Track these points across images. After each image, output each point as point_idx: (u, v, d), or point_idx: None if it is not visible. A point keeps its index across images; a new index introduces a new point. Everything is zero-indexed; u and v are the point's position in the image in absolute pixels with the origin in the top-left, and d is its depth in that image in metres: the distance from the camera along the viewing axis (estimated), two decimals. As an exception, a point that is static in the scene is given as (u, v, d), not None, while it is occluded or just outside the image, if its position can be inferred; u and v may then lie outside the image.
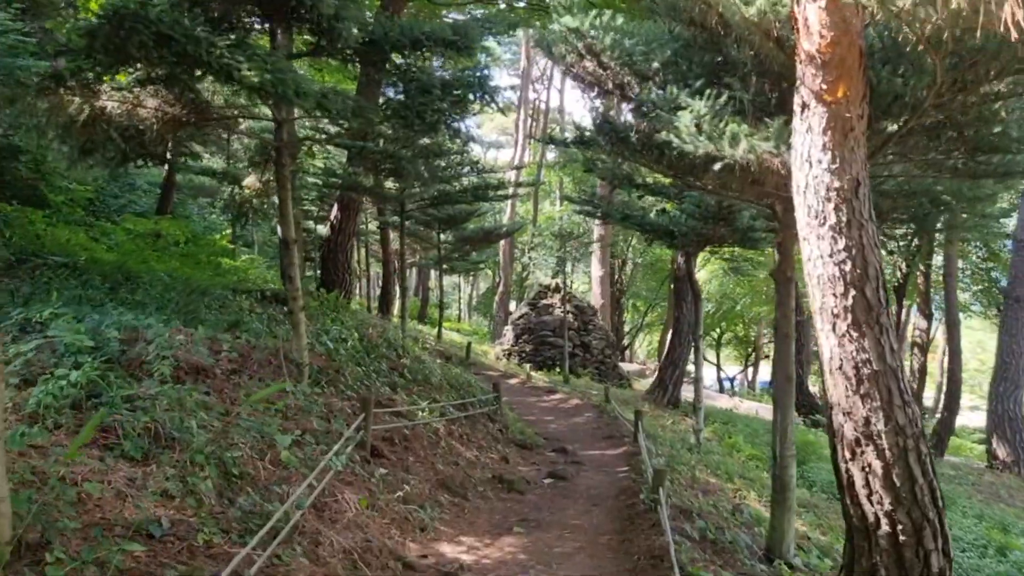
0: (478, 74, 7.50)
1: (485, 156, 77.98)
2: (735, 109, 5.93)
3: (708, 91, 5.84)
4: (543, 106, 50.48)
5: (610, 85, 7.28)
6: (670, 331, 38.98)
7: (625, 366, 29.93)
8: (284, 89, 6.04)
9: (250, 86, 5.94)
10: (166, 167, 23.05)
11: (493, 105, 8.01)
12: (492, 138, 71.05)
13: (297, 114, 9.39)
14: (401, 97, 7.76)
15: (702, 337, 13.07)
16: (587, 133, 9.09)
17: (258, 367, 8.56)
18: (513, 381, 18.73)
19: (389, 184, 13.51)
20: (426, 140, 12.09)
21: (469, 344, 21.55)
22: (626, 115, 8.06)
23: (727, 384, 49.05)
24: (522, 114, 42.27)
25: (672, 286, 19.10)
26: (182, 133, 9.89)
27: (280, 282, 17.60)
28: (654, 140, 7.00)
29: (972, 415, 50.76)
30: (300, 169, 14.49)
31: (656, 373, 35.16)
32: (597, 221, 31.18)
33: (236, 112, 10.85)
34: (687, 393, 21.06)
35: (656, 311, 48.83)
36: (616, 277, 41.31)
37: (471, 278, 65.28)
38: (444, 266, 39.63)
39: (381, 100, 7.91)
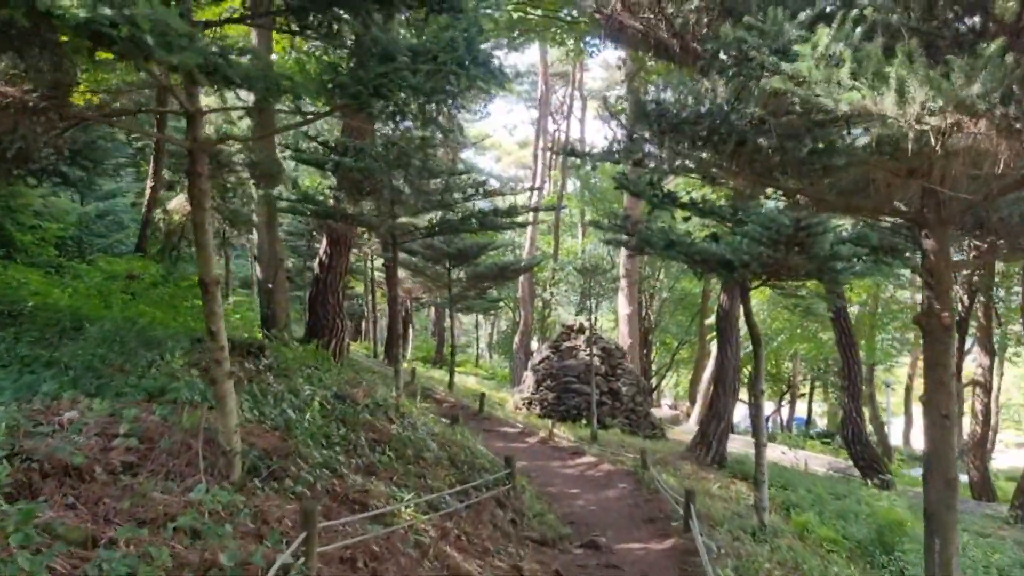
0: (466, 35, 5.06)
1: (504, 200, 76.06)
2: (885, 45, 3.46)
3: (840, 13, 3.39)
4: (562, 136, 48.23)
5: (666, 34, 4.84)
6: (704, 371, 36.30)
7: (656, 412, 27.19)
8: (135, 34, 3.65)
9: (75, 25, 3.54)
10: (145, 202, 20.96)
11: (493, 84, 5.56)
12: (511, 173, 69.05)
13: (217, 102, 6.99)
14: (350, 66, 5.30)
15: (762, 393, 10.46)
16: (618, 136, 6.71)
17: (166, 458, 6.12)
18: (532, 440, 16.16)
19: (371, 208, 11.13)
20: (416, 136, 9.70)
21: (483, 396, 19.04)
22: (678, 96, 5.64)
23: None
24: (540, 143, 39.99)
25: (716, 326, 16.45)
26: (53, 132, 7.39)
27: (260, 330, 15.25)
28: (730, 123, 4.52)
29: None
30: (272, 194, 12.11)
31: (697, 427, 32.50)
32: (624, 254, 28.69)
33: (115, 97, 8.43)
34: (733, 445, 18.40)
35: (686, 349, 46.09)
36: (643, 313, 38.73)
37: (491, 317, 62.89)
38: (458, 305, 37.36)
39: (321, 68, 5.43)
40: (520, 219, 12.03)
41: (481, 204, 12.39)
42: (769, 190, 7.72)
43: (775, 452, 26.11)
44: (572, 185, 51.62)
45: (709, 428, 16.51)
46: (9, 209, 21.37)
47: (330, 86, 5.22)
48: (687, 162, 5.87)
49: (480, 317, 64.49)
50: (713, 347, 32.49)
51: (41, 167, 12.85)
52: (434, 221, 11.34)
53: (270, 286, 15.06)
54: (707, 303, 37.89)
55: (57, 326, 11.93)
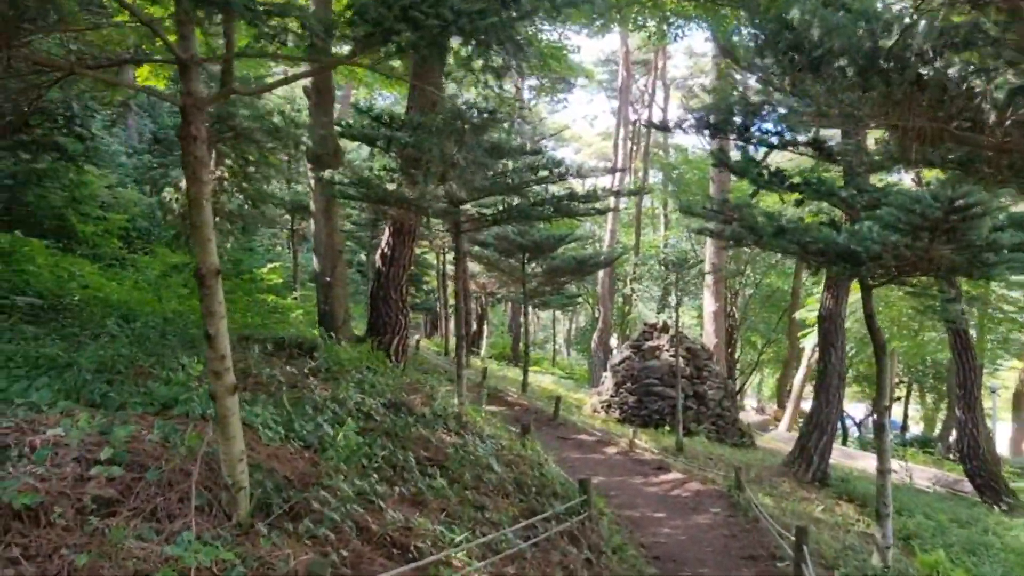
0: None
1: (583, 186, 74.45)
2: None
3: None
4: (644, 128, 46.40)
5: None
6: (797, 374, 34.13)
7: (744, 416, 25.32)
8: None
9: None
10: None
11: (564, 7, 4.16)
12: (591, 164, 67.43)
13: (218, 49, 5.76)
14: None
15: (887, 410, 8.81)
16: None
17: (154, 493, 4.92)
18: (611, 451, 14.70)
19: (431, 192, 9.79)
20: (481, 106, 8.34)
21: (558, 400, 17.63)
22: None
23: (853, 430, 43.35)
24: (621, 133, 38.33)
25: (819, 327, 14.74)
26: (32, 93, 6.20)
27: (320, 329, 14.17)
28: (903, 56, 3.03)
29: None
30: (331, 177, 10.89)
31: (787, 432, 30.46)
32: (710, 247, 26.92)
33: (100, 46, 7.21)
34: (835, 457, 16.55)
35: (772, 348, 43.83)
36: (728, 310, 36.77)
37: (569, 312, 61.44)
38: (535, 301, 36.01)
39: None
40: (599, 205, 10.57)
41: (556, 190, 10.98)
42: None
43: (870, 463, 24.05)
44: (655, 177, 49.87)
45: (809, 441, 14.78)
46: (73, 200, 20.89)
47: (349, 14, 3.91)
48: (830, 108, 4.36)
49: (558, 313, 63.17)
50: (807, 346, 30.45)
51: (32, 139, 11.82)
52: (502, 207, 9.95)
53: (327, 280, 13.97)
54: (797, 300, 35.71)
55: (97, 322, 11.05)
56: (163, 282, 16.88)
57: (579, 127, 64.72)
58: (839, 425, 42.66)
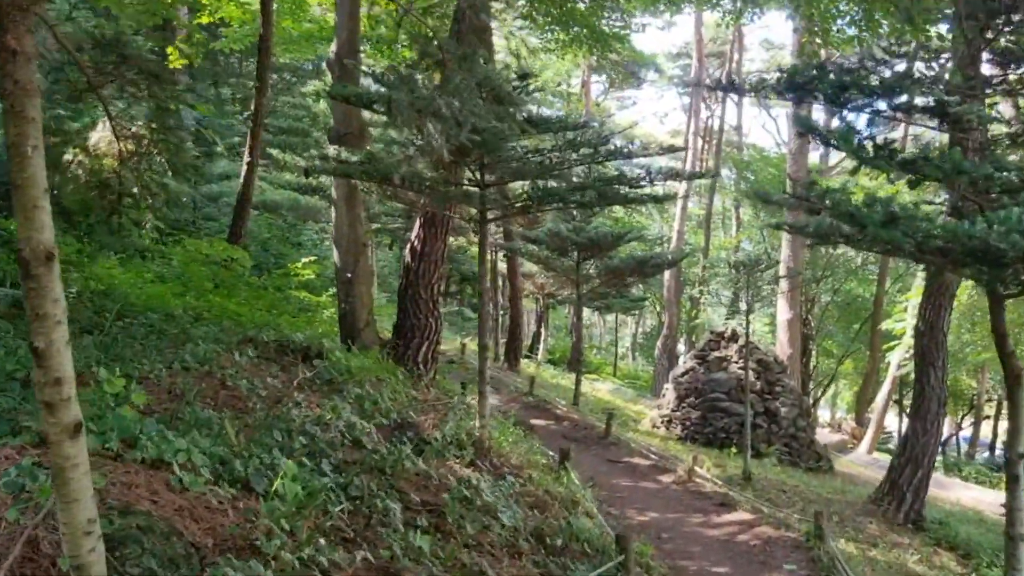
0: None
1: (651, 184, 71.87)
2: None
3: None
4: (716, 122, 44.11)
5: None
6: (881, 389, 31.50)
7: (818, 435, 22.99)
8: None
9: None
10: (241, 179, 18.88)
11: None
12: (661, 163, 65.07)
13: None
14: None
15: (1022, 459, 6.77)
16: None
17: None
18: (667, 479, 12.80)
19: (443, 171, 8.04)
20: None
21: (610, 418, 15.76)
22: None
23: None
24: (691, 127, 36.18)
25: (916, 343, 12.67)
26: None
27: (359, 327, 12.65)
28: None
29: None
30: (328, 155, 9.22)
31: (867, 454, 27.97)
32: (785, 249, 24.72)
33: None
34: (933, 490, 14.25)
35: (851, 360, 41.09)
36: (804, 319, 34.33)
37: (634, 315, 59.30)
38: (596, 303, 34.11)
39: None
40: (655, 191, 8.70)
41: (602, 171, 9.13)
42: None
43: (962, 492, 21.55)
44: (728, 177, 47.49)
45: (901, 476, 12.65)
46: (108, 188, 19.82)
47: None
48: None
49: (626, 316, 61.02)
50: (892, 360, 27.93)
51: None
52: (534, 190, 8.14)
53: (348, 276, 12.41)
54: (880, 309, 33.09)
55: (87, 320, 9.71)
56: (190, 276, 15.60)
57: (649, 125, 62.59)
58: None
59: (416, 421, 8.42)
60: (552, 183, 8.15)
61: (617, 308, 35.11)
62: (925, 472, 12.57)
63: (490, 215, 8.99)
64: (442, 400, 11.30)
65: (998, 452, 41.93)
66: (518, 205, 8.45)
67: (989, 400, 42.71)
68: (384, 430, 8.00)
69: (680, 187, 34.58)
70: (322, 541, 4.78)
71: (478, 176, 8.36)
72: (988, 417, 45.37)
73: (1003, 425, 46.39)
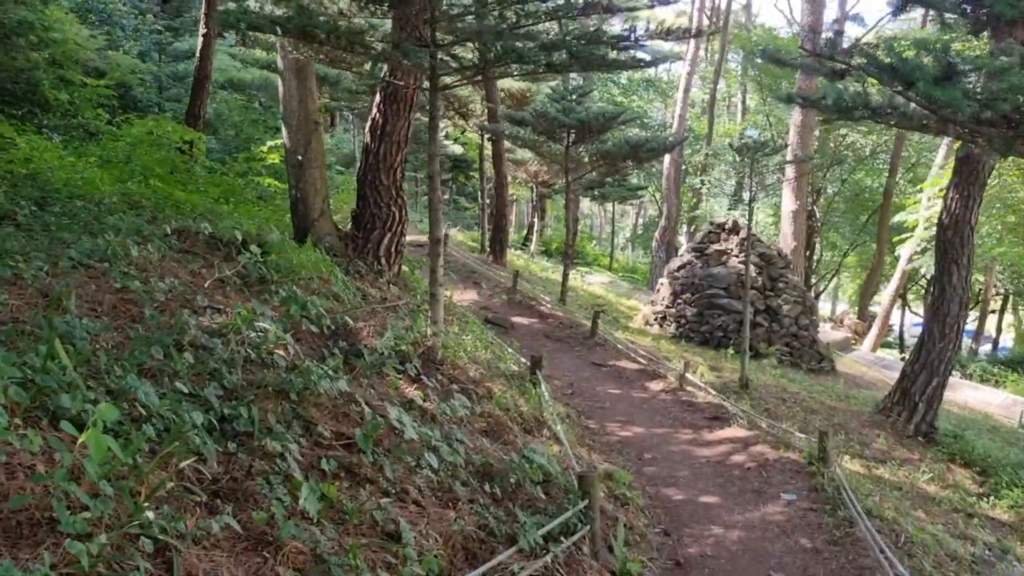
0: None
1: (657, 69, 68.88)
2: None
3: None
4: (723, 3, 41.42)
5: None
6: (890, 285, 30.21)
7: (822, 332, 21.77)
8: None
9: None
10: (197, 54, 17.13)
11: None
12: (667, 48, 61.94)
13: None
14: None
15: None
16: None
17: None
18: (656, 386, 11.61)
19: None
20: None
21: (596, 316, 14.47)
22: None
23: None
24: (697, 1, 33.75)
25: (938, 238, 11.24)
26: None
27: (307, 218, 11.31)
28: None
29: None
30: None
31: (872, 353, 26.89)
32: (793, 134, 23.03)
33: None
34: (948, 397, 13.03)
35: (856, 253, 39.74)
36: (810, 210, 32.83)
37: (634, 206, 57.66)
38: (594, 192, 32.55)
39: None
40: (641, 54, 7.12)
41: (575, 28, 7.49)
42: None
43: (969, 394, 20.51)
44: (734, 61, 45.06)
45: (914, 384, 11.46)
46: (54, 62, 18.08)
47: None
48: None
49: (627, 206, 59.38)
50: (903, 254, 26.58)
51: None
52: (492, 51, 6.58)
53: (299, 159, 10.92)
54: (889, 201, 31.53)
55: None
56: (137, 159, 14.10)
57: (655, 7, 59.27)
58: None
59: (353, 328, 7.12)
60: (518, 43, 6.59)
61: (614, 197, 33.49)
62: (941, 381, 11.37)
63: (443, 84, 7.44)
64: (402, 300, 10.03)
65: (1002, 346, 41.07)
66: (473, 68, 6.87)
67: (997, 294, 41.52)
68: (311, 341, 6.72)
69: (683, 67, 32.50)
70: (166, 508, 3.51)
71: (427, 34, 6.80)
72: (993, 311, 44.31)
73: (1007, 319, 45.46)
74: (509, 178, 36.86)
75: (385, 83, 10.90)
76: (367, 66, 10.81)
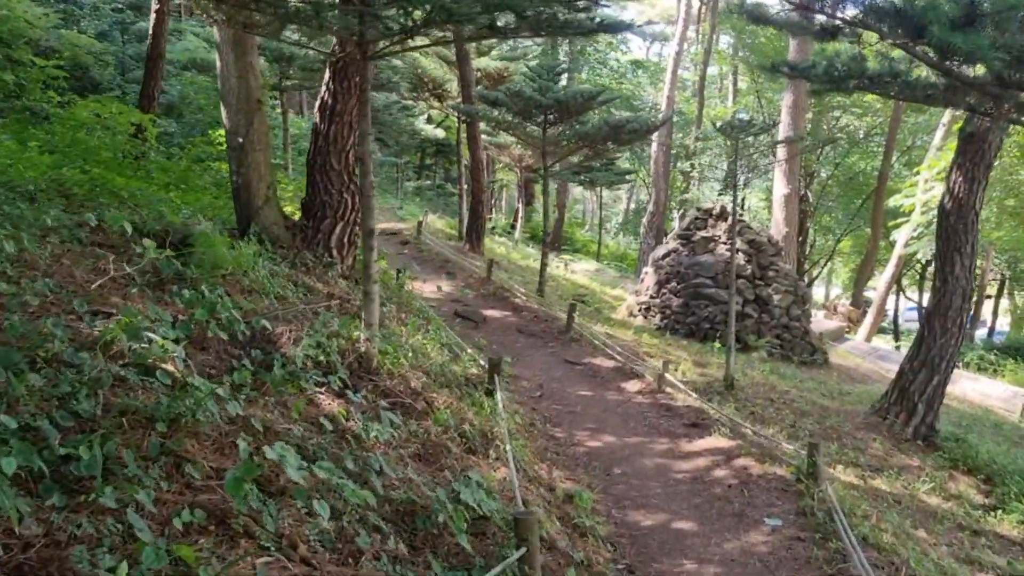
0: None
1: (647, 51, 67.69)
2: None
3: None
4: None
5: None
6: (885, 272, 29.26)
7: (815, 321, 20.83)
8: None
9: None
10: (150, 31, 16.11)
11: None
12: (658, 28, 60.72)
13: None
14: None
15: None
16: None
17: None
18: (633, 386, 10.68)
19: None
20: None
21: (572, 309, 13.50)
22: None
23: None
24: (686, -20, 32.62)
25: (939, 224, 10.30)
26: None
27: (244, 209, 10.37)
28: None
29: None
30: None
31: (866, 342, 25.98)
32: (785, 113, 22.06)
33: None
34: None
35: (850, 238, 38.80)
36: (802, 195, 31.88)
37: (629, 191, 56.67)
38: (581, 177, 31.53)
39: None
40: (605, 17, 6.17)
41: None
42: None
43: (968, 385, 19.60)
44: (725, 44, 44.04)
45: (913, 383, 10.55)
46: (0, 41, 17.09)
47: None
48: None
49: (619, 191, 58.35)
50: (898, 239, 25.69)
51: None
52: (429, 7, 5.60)
53: (240, 141, 9.94)
54: (884, 185, 30.61)
55: None
56: (80, 143, 13.13)
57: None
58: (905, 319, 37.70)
59: (273, 334, 6.17)
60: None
61: (602, 182, 32.43)
62: (942, 379, 10.47)
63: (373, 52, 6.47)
64: (352, 296, 9.08)
65: (998, 331, 40.24)
66: (403, 30, 5.89)
67: (993, 279, 40.65)
68: (219, 351, 5.78)
69: (671, 47, 31.48)
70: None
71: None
72: (989, 297, 43.46)
73: (1003, 304, 44.60)
74: (495, 162, 35.87)
75: (334, 58, 9.93)
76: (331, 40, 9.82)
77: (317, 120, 10.41)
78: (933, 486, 8.94)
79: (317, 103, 10.49)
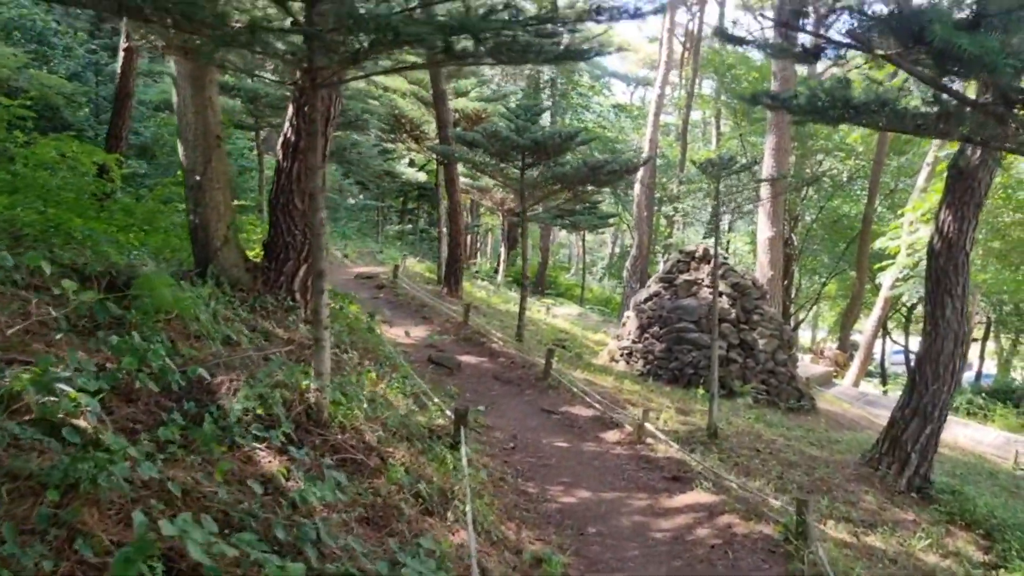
0: None
1: (631, 95, 68.03)
2: None
3: None
4: (696, 25, 40.52)
5: None
6: (872, 314, 28.88)
7: (801, 366, 20.36)
8: None
9: None
10: (119, 69, 15.71)
11: None
12: (641, 73, 61.12)
13: None
14: None
15: None
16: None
17: None
18: (612, 436, 10.14)
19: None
20: None
21: (550, 355, 12.97)
22: None
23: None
24: (667, 22, 32.67)
25: (929, 266, 9.86)
26: None
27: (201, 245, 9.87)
28: None
29: None
30: None
31: (855, 387, 25.54)
32: (768, 154, 21.84)
33: None
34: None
35: (836, 281, 38.51)
36: (787, 238, 31.65)
37: (614, 235, 56.55)
38: (564, 221, 31.24)
39: None
40: (571, 41, 5.75)
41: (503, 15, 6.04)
42: None
43: (959, 431, 19.12)
44: (708, 88, 44.28)
45: (905, 432, 10.06)
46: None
47: None
48: None
49: (604, 235, 58.22)
50: (884, 282, 25.39)
51: None
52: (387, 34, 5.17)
53: (197, 179, 9.47)
54: (868, 227, 30.43)
55: None
56: (41, 182, 12.63)
57: (627, 32, 58.82)
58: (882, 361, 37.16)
59: (212, 384, 5.63)
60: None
61: (585, 225, 32.15)
62: (935, 428, 9.98)
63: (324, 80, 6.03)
64: (307, 343, 8.56)
65: (985, 374, 39.87)
66: (354, 53, 5.44)
67: (979, 322, 40.39)
68: (149, 403, 5.24)
69: (654, 89, 31.41)
70: None
71: (303, 18, 5.39)
72: (976, 340, 43.16)
73: (990, 346, 44.29)
74: (480, 206, 35.57)
75: (297, 92, 9.52)
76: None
77: (280, 157, 9.98)
78: (930, 542, 8.40)
79: (280, 140, 10.06)
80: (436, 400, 8.80)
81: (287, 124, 9.82)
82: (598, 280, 53.64)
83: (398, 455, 6.14)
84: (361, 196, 35.23)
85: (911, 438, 9.95)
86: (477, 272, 34.82)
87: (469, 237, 42.00)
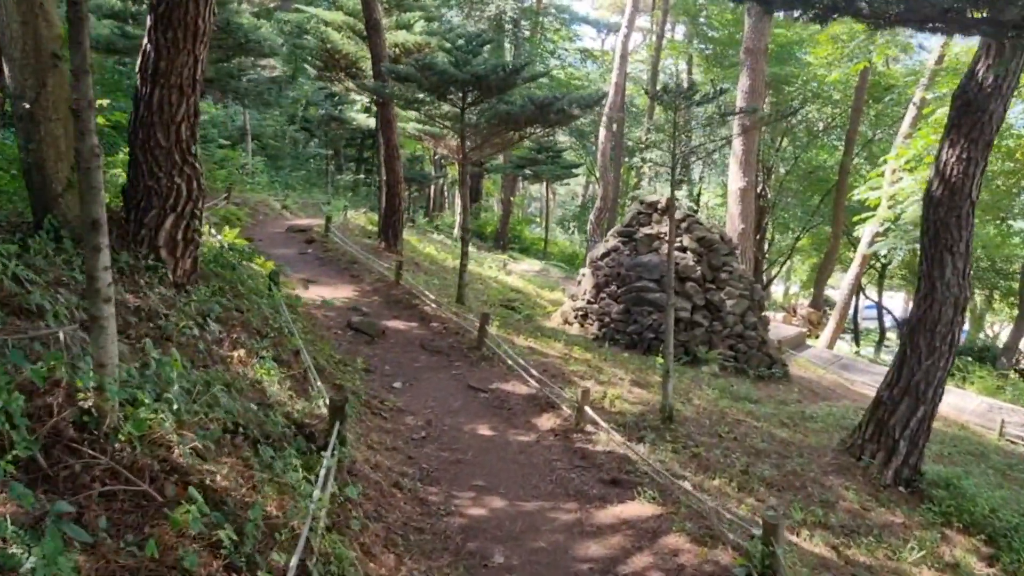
0: None
1: (603, 42, 65.61)
2: None
3: None
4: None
5: None
6: (849, 271, 27.41)
7: (772, 327, 18.73)
8: None
9: None
10: None
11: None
12: (614, 19, 58.77)
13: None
14: None
15: None
16: None
17: None
18: (547, 423, 8.49)
19: None
20: None
21: (484, 322, 11.23)
22: None
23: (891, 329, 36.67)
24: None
25: (924, 219, 8.13)
26: None
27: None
28: None
29: None
30: None
31: (828, 348, 24.08)
32: (742, 84, 20.11)
33: None
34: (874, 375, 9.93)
35: (810, 235, 37.01)
36: (760, 189, 30.06)
37: (584, 186, 54.70)
38: (527, 171, 29.43)
39: None
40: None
41: None
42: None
43: (946, 398, 17.68)
44: (678, 32, 42.32)
45: (894, 415, 8.50)
46: None
47: None
48: None
49: (576, 187, 56.38)
50: (863, 236, 23.84)
51: None
52: None
53: (27, 107, 7.57)
54: (845, 179, 28.88)
55: None
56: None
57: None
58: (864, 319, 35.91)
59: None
60: None
61: (548, 175, 30.33)
62: (928, 410, 8.44)
63: None
64: (171, 311, 6.83)
65: (961, 336, 38.84)
66: None
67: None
68: None
69: (620, 30, 29.44)
70: None
71: None
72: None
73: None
74: (435, 154, 33.55)
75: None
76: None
77: (139, 83, 8.09)
78: (924, 554, 6.88)
79: (139, 61, 8.15)
80: (319, 384, 7.06)
81: (144, 39, 7.93)
82: (569, 234, 51.92)
83: (221, 475, 4.44)
84: (313, 143, 33.15)
85: (899, 422, 8.40)
86: (438, 226, 32.96)
87: (433, 188, 39.99)
